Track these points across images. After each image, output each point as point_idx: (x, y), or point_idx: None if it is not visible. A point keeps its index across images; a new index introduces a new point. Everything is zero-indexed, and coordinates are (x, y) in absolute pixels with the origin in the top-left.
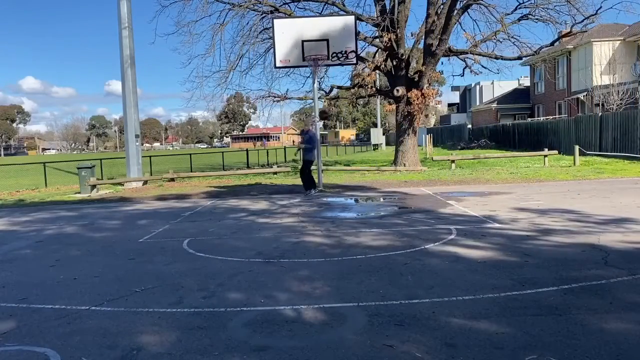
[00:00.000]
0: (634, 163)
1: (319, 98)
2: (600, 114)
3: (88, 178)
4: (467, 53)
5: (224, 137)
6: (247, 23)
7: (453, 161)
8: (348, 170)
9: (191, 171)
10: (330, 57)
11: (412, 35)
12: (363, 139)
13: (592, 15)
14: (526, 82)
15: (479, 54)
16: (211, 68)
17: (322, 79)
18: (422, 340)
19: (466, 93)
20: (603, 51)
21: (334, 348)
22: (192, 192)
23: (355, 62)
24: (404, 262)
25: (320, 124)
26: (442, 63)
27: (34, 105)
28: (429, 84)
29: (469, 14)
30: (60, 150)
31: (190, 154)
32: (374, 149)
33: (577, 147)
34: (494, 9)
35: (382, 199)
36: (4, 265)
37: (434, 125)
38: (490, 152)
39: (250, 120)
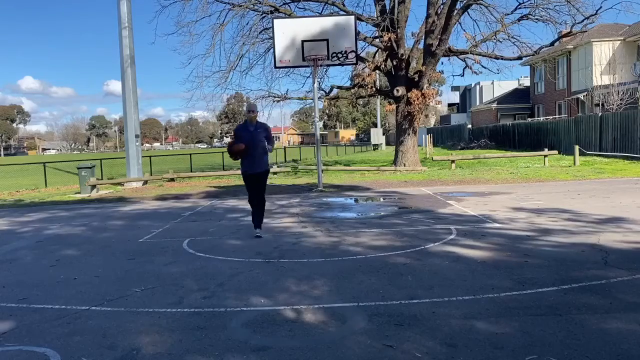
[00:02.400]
0: (634, 163)
1: (319, 98)
2: (600, 114)
3: (88, 178)
4: (467, 53)
5: (224, 137)
6: (247, 23)
7: (453, 161)
8: (348, 170)
9: (191, 171)
10: (330, 57)
11: (412, 35)
12: (363, 139)
13: (592, 15)
14: (526, 82)
15: (479, 54)
16: (211, 68)
17: (322, 79)
18: (422, 340)
19: (466, 93)
20: (603, 51)
21: (334, 348)
22: (192, 192)
23: (355, 62)
24: (404, 262)
25: (320, 123)
26: (442, 63)
27: (33, 105)
28: (429, 84)
29: (469, 14)
30: (60, 150)
31: (190, 154)
32: (374, 149)
33: (577, 147)
34: (494, 9)
35: (382, 199)
36: (4, 265)
37: (434, 125)
38: (490, 152)
39: None
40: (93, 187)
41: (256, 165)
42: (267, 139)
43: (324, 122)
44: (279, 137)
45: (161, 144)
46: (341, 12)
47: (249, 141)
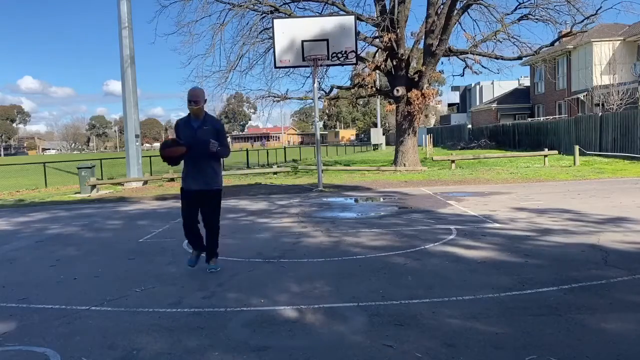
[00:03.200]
0: (634, 163)
1: (319, 98)
2: (600, 114)
3: (88, 178)
4: (467, 53)
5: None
6: (247, 23)
7: (453, 161)
8: (348, 170)
9: None
10: (330, 57)
11: (412, 35)
12: (363, 139)
13: (592, 15)
14: (526, 82)
15: (479, 54)
16: (211, 68)
17: (322, 79)
18: (422, 340)
19: (466, 93)
20: (603, 51)
21: (334, 348)
22: None
23: (355, 62)
24: (403, 262)
25: (320, 123)
26: (442, 63)
27: (33, 105)
28: (429, 84)
29: (469, 14)
30: (60, 150)
31: None
32: (374, 149)
33: (577, 147)
34: (494, 9)
35: (381, 199)
36: (4, 265)
37: (434, 125)
38: (490, 152)
39: (250, 120)
40: (93, 187)
41: (201, 178)
42: (218, 140)
43: (324, 122)
44: (278, 137)
45: None
46: (341, 12)
47: (190, 142)
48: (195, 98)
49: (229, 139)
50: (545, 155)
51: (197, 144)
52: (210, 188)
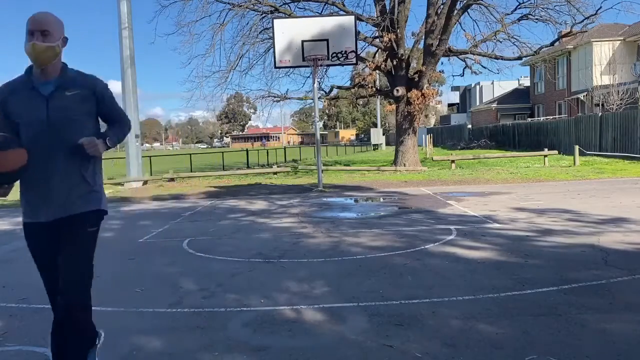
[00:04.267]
0: (634, 163)
1: (319, 98)
2: (600, 114)
3: None
4: (467, 53)
5: (224, 137)
6: (247, 23)
7: (453, 161)
8: (348, 170)
9: (191, 171)
10: (330, 57)
11: (412, 35)
12: (363, 139)
13: (592, 15)
14: (526, 82)
15: (479, 54)
16: (211, 68)
17: (322, 79)
18: (422, 340)
19: (466, 93)
20: (603, 51)
21: (334, 348)
22: (192, 192)
23: (355, 62)
24: (403, 262)
25: (320, 123)
26: (442, 63)
27: None
28: (429, 84)
29: (469, 14)
30: None
31: (190, 154)
32: (374, 149)
33: (577, 147)
34: (494, 9)
35: (381, 199)
36: (4, 265)
37: (434, 125)
38: (490, 152)
39: (250, 120)
40: None
41: (62, 194)
42: (106, 116)
43: (324, 122)
44: (278, 137)
45: (161, 144)
46: (341, 12)
47: (37, 129)
48: (41, 26)
49: (227, 139)
50: (545, 156)
51: (52, 128)
52: (79, 210)
